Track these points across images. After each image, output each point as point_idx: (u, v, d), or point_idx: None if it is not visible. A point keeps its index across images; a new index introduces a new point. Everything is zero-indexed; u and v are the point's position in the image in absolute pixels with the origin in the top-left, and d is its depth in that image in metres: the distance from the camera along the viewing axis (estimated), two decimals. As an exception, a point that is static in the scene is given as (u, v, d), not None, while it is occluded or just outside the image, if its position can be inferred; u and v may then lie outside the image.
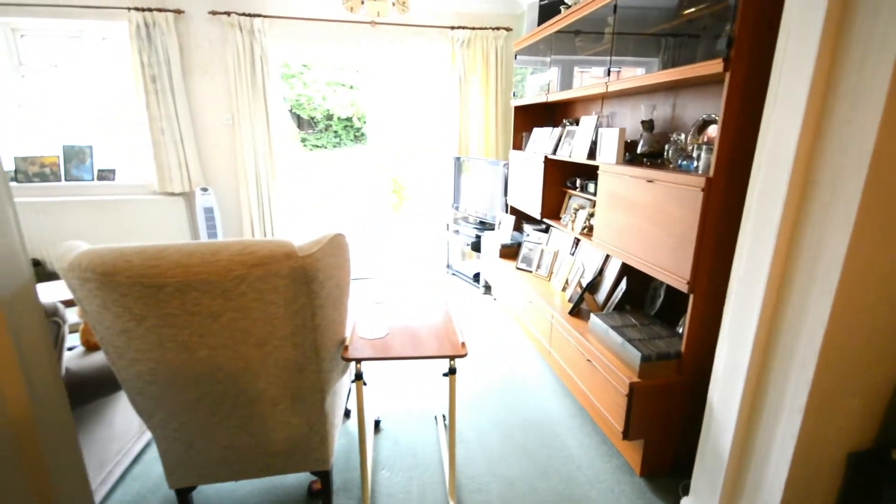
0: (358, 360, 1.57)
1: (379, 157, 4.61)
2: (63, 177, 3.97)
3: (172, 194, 4.06)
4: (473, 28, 4.18)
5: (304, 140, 16.57)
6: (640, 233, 2.00)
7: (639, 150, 2.19)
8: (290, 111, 16.25)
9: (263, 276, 1.28)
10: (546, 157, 3.01)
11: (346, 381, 1.98)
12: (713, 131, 1.98)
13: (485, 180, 4.09)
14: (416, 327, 1.84)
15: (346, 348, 1.61)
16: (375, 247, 4.68)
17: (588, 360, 2.11)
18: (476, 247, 3.98)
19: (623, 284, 2.28)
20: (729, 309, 1.52)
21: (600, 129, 2.40)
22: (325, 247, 1.40)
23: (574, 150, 2.73)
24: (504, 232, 3.59)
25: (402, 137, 6.83)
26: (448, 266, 4.52)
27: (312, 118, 16.39)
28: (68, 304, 1.90)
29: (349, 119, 16.54)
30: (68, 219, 3.92)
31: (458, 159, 4.38)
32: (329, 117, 16.74)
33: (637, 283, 2.28)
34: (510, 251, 3.46)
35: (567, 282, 2.77)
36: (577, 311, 2.46)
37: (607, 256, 2.53)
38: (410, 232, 6.55)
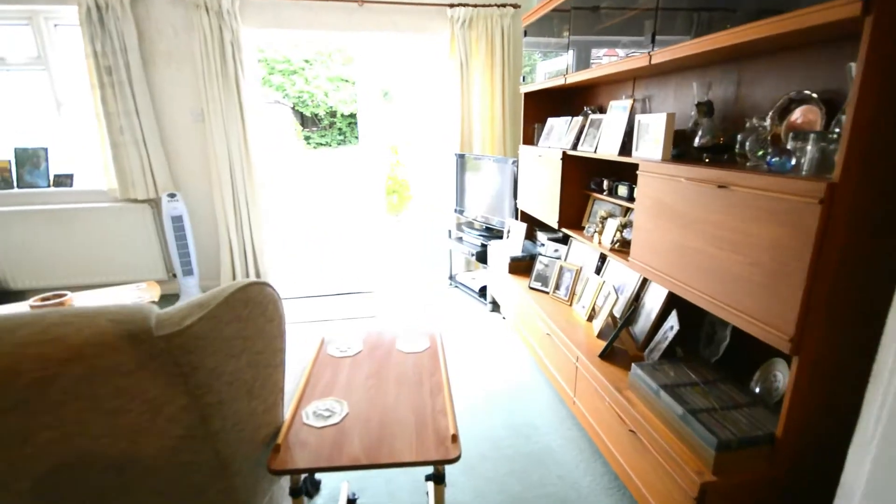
0: (292, 472, 1.01)
1: (375, 156, 4.07)
2: (16, 183, 3.47)
3: (136, 201, 3.54)
4: (475, 5, 3.58)
5: (307, 138, 16.05)
6: (703, 257, 1.41)
7: (697, 143, 1.59)
8: (293, 108, 15.76)
9: (89, 375, 0.72)
10: (564, 154, 2.42)
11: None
12: (799, 116, 1.38)
13: (491, 181, 3.51)
14: (390, 402, 1.27)
15: (276, 450, 1.05)
16: (373, 254, 4.14)
17: (631, 431, 1.54)
18: (482, 257, 3.41)
19: (673, 322, 1.69)
20: (881, 378, 0.93)
21: (638, 117, 1.81)
22: (218, 311, 0.84)
23: (601, 144, 2.14)
24: (514, 242, 3.01)
25: (398, 133, 6.26)
26: (451, 277, 3.95)
27: (315, 115, 15.84)
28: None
29: (353, 116, 16.00)
30: (22, 230, 3.42)
31: (460, 157, 3.79)
32: (333, 114, 16.06)
33: (685, 312, 1.69)
34: (522, 265, 2.88)
35: (594, 310, 2.18)
36: (611, 352, 1.88)
37: (645, 279, 1.94)
38: (411, 237, 5.99)
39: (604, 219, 2.21)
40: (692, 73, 1.86)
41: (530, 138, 3.07)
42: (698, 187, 1.41)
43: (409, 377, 1.40)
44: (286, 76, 15.77)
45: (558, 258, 2.59)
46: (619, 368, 1.77)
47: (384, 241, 4.26)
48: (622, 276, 2.12)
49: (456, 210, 3.91)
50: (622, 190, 2.15)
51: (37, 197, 3.48)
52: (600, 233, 2.20)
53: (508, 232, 3.09)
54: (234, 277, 3.77)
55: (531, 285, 2.62)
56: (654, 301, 1.87)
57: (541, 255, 2.67)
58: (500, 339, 2.95)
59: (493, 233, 3.57)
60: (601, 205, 2.40)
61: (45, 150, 3.52)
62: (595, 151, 2.18)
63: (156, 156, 3.46)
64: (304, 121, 16.87)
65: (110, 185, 3.47)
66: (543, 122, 2.94)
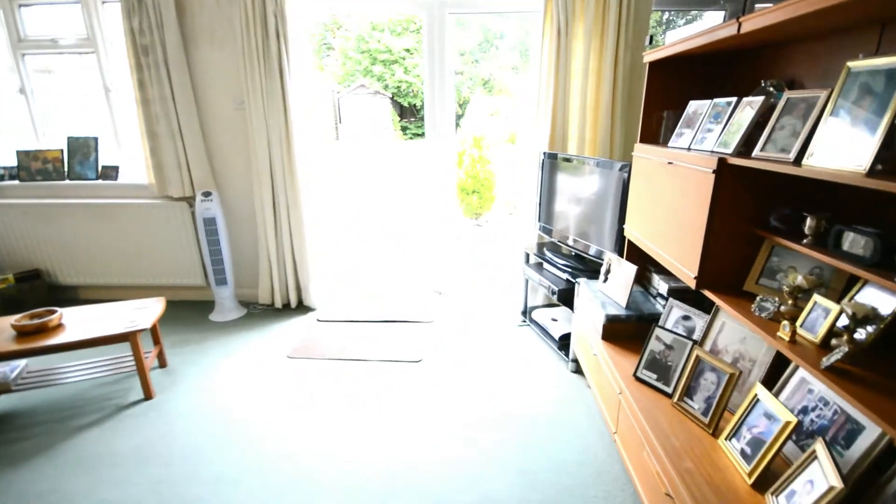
0: None
1: (446, 149, 3.24)
2: (67, 174, 3.23)
3: (173, 199, 3.11)
4: (585, -53, 2.54)
5: (404, 128, 15.82)
6: None
7: None
8: (392, 99, 15.57)
9: None
10: (722, 162, 1.35)
11: None
12: None
13: (589, 192, 2.48)
14: None
15: None
16: (437, 268, 3.34)
17: None
18: (566, 298, 2.41)
19: None
20: None
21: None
22: None
23: (818, 149, 1.06)
24: (614, 289, 1.98)
25: (475, 125, 5.35)
26: (526, 312, 3.00)
27: (413, 105, 15.43)
28: None
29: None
30: (69, 224, 3.17)
31: (549, 157, 2.80)
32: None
33: None
34: (625, 329, 1.85)
35: (763, 458, 1.13)
36: None
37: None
38: (488, 247, 5.08)
39: (798, 291, 1.13)
40: None
41: (653, 134, 2.00)
42: None
43: None
44: (387, 66, 15.62)
45: (691, 340, 1.53)
46: None
47: (454, 251, 3.42)
48: (833, 406, 1.04)
49: (539, 226, 2.93)
50: (856, 241, 1.05)
51: (84, 190, 3.21)
52: (789, 316, 1.13)
53: (607, 272, 2.05)
54: (272, 289, 3.21)
55: (639, 374, 1.59)
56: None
57: (659, 327, 1.62)
58: (583, 428, 1.96)
59: (585, 264, 2.54)
60: (792, 259, 1.30)
61: (96, 139, 3.23)
62: (798, 162, 1.11)
63: (192, 149, 2.97)
64: (403, 111, 16.67)
65: (150, 180, 3.07)
66: (677, 110, 1.86)
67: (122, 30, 2.79)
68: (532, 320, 2.87)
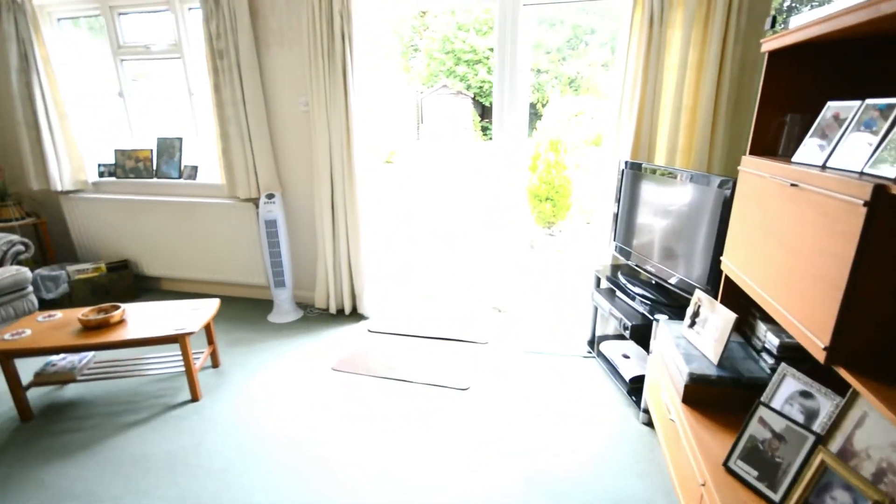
0: None
1: (516, 151, 2.95)
2: (155, 173, 3.43)
3: (241, 200, 3.16)
4: (690, -82, 2.11)
5: (484, 129, 15.55)
6: None
7: None
8: (474, 99, 15.38)
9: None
10: (882, 190, 0.93)
11: None
12: None
13: (678, 212, 2.06)
14: None
15: None
16: (501, 281, 3.07)
17: None
18: (640, 336, 2.02)
19: None
20: None
21: None
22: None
23: None
24: (704, 338, 1.57)
25: (554, 127, 4.91)
26: (593, 343, 2.62)
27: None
28: None
29: (533, 105, 14.81)
30: (153, 219, 3.37)
31: (631, 167, 2.40)
32: (510, 105, 14.82)
33: None
34: (714, 395, 1.44)
35: None
36: None
37: None
38: (559, 259, 4.67)
39: None
40: None
41: (769, 144, 1.55)
42: None
43: None
44: (470, 66, 15.45)
45: (813, 434, 1.11)
46: None
47: (520, 264, 3.12)
48: None
49: (614, 246, 2.54)
50: None
51: (167, 188, 3.39)
52: None
53: (695, 315, 1.64)
54: (328, 295, 3.15)
55: (732, 465, 1.20)
56: None
57: (764, 405, 1.21)
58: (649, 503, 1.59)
59: (667, 297, 2.12)
60: None
61: (180, 140, 3.39)
62: None
63: (260, 150, 2.98)
64: (484, 111, 16.41)
65: (222, 181, 3.15)
66: (804, 113, 1.42)
67: (201, 35, 2.87)
68: (600, 353, 2.49)
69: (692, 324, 1.60)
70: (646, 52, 2.28)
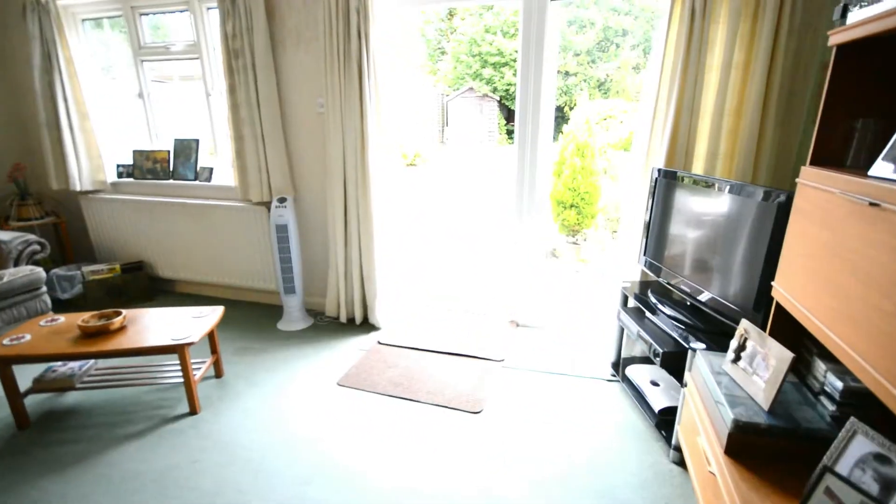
0: None
1: (538, 161, 2.76)
2: (171, 174, 3.39)
3: (253, 203, 3.08)
4: None
5: (510, 133, 15.30)
6: None
7: None
8: (500, 102, 15.17)
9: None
10: None
11: None
12: None
13: (720, 227, 1.84)
14: None
15: None
16: (522, 293, 2.89)
17: None
18: (672, 365, 1.81)
19: None
20: None
21: None
22: None
23: None
24: (752, 378, 1.35)
25: (581, 131, 4.69)
26: (617, 366, 2.41)
27: (519, 110, 14.64)
28: None
29: (560, 109, 14.49)
30: (169, 220, 3.33)
31: (665, 176, 2.18)
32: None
33: None
34: (764, 446, 1.22)
35: None
36: None
37: None
38: (584, 270, 4.44)
39: None
40: None
41: (836, 153, 1.33)
42: None
43: None
44: (497, 69, 15.25)
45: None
46: None
47: (538, 274, 2.93)
48: None
49: (644, 261, 2.32)
50: None
51: (182, 189, 3.34)
52: None
53: (741, 348, 1.42)
54: (338, 303, 3.03)
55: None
56: None
57: (831, 472, 1.00)
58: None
59: (704, 321, 1.90)
60: None
61: (197, 141, 3.34)
62: None
63: (273, 153, 2.89)
64: (510, 115, 16.18)
65: (236, 183, 3.08)
66: (878, 118, 1.20)
67: (218, 35, 2.80)
68: (625, 377, 2.28)
69: (737, 358, 1.39)
70: (685, 49, 2.07)
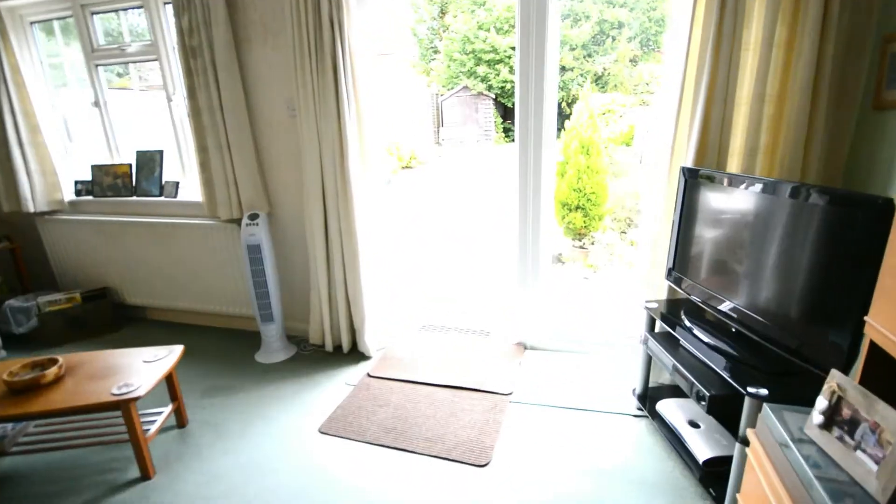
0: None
1: (542, 160, 2.43)
2: (134, 190, 3.05)
3: (223, 220, 2.74)
4: None
5: (507, 130, 14.95)
6: None
7: None
8: (496, 100, 14.83)
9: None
10: None
11: None
12: None
13: (781, 240, 1.50)
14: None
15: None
16: (525, 313, 2.55)
17: None
18: (719, 409, 1.47)
19: None
20: None
21: None
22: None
23: None
24: (855, 454, 1.01)
25: (584, 127, 4.34)
26: (644, 397, 2.06)
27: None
28: None
29: (558, 105, 14.15)
30: (133, 242, 2.99)
31: (695, 176, 1.84)
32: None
33: None
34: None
35: None
36: None
37: None
38: (595, 280, 4.09)
39: None
40: None
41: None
42: None
43: None
44: (491, 66, 14.89)
45: None
46: None
47: (545, 286, 2.59)
48: None
49: (671, 276, 1.98)
50: None
51: (145, 207, 3.00)
52: None
53: (832, 411, 1.07)
54: (322, 330, 2.69)
55: None
56: None
57: None
58: None
59: (759, 356, 1.55)
60: None
61: (161, 153, 3.00)
62: None
63: (241, 165, 2.55)
64: (506, 112, 15.80)
65: (203, 199, 2.74)
66: None
67: (174, 30, 2.46)
68: (655, 413, 1.93)
69: (827, 423, 1.05)
70: (717, 25, 1.73)
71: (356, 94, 2.31)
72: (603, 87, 14.25)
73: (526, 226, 2.46)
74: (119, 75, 3.46)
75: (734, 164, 1.85)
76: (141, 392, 1.69)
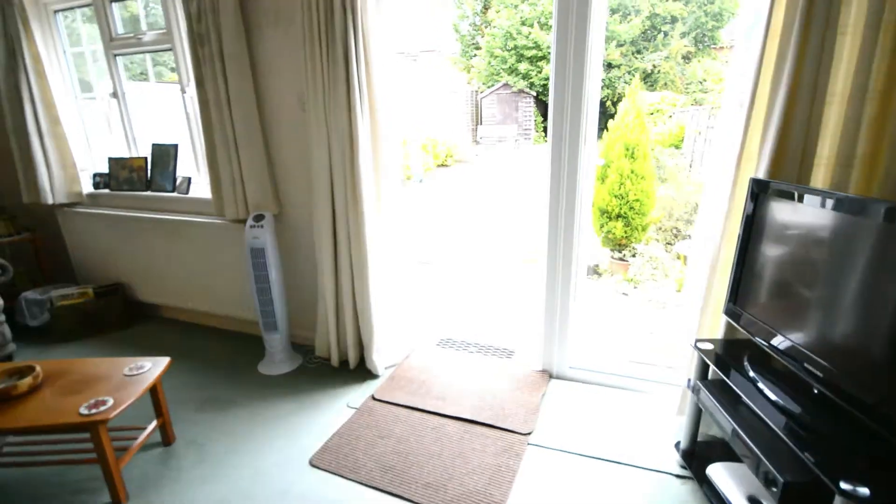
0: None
1: (579, 164, 2.10)
2: (148, 184, 2.96)
3: (228, 220, 2.58)
4: None
5: (547, 130, 14.43)
6: None
7: None
8: (537, 98, 14.31)
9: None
10: None
11: None
12: None
13: (869, 273, 1.13)
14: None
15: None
16: (551, 336, 2.25)
17: None
18: (794, 500, 1.13)
19: None
20: None
21: None
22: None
23: None
24: None
25: (629, 128, 3.91)
26: (691, 454, 1.72)
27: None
28: None
29: (602, 104, 13.47)
30: (146, 237, 2.90)
31: (766, 191, 1.48)
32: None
33: None
34: None
35: None
36: None
37: None
38: (628, 303, 3.70)
39: None
40: None
41: None
42: None
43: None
44: (533, 63, 14.37)
45: None
46: None
47: (585, 296, 2.27)
48: None
49: (729, 309, 1.62)
50: None
51: (157, 202, 2.89)
52: None
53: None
54: (329, 343, 2.48)
55: None
56: None
57: None
58: None
59: (854, 431, 1.19)
60: None
61: (175, 147, 2.89)
62: None
63: (248, 162, 2.37)
64: (548, 111, 15.26)
65: (211, 197, 2.59)
66: None
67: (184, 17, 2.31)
68: (704, 479, 1.59)
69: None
70: (805, 14, 1.37)
71: (370, 87, 2.08)
72: (652, 86, 13.47)
73: (556, 234, 2.15)
74: (136, 77, 3.38)
75: (820, 178, 1.48)
76: (112, 413, 1.52)
